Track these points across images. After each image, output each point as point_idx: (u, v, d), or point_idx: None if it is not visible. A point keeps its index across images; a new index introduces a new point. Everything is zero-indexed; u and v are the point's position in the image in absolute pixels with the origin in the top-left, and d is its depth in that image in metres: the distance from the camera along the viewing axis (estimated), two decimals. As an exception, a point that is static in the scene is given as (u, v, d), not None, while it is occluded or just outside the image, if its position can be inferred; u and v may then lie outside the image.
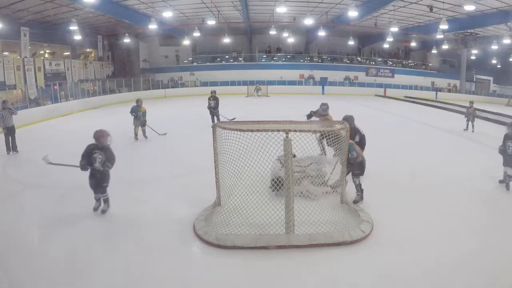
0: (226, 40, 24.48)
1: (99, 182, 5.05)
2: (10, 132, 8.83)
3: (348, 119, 6.00)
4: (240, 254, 4.03)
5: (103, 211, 5.12)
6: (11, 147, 8.82)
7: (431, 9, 17.37)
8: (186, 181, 6.57)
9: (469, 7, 13.44)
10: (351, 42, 24.48)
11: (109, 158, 5.06)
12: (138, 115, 9.98)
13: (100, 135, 5.14)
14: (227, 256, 4.00)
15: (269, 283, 3.57)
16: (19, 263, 3.94)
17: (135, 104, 10.07)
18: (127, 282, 3.61)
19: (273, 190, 5.25)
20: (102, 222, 5.01)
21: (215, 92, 12.40)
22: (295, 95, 25.49)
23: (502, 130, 6.13)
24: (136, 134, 10.17)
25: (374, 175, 6.39)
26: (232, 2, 18.97)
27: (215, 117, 12.23)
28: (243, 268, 3.80)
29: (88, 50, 23.14)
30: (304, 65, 29.13)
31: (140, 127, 10.20)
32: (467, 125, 11.92)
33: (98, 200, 5.18)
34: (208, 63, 29.01)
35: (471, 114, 11.82)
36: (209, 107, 12.28)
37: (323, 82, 28.44)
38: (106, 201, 5.20)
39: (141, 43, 27.10)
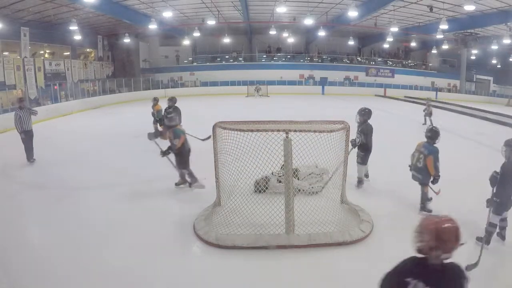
0: (226, 40, 24.48)
1: None
2: (28, 136, 7.87)
3: (363, 113, 5.81)
4: (240, 254, 4.04)
5: None
6: (29, 154, 7.93)
7: (431, 9, 17.37)
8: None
9: (469, 7, 13.44)
10: (351, 42, 24.48)
11: None
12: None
13: None
14: (227, 256, 4.00)
15: (269, 283, 3.58)
16: (19, 263, 3.95)
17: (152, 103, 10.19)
18: (128, 282, 3.61)
19: (256, 191, 5.26)
20: (103, 222, 5.01)
21: (175, 99, 8.72)
22: (295, 95, 25.49)
23: (502, 131, 6.06)
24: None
25: (375, 175, 6.40)
26: (232, 2, 18.96)
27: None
28: (243, 268, 3.80)
29: (88, 50, 23.13)
30: (304, 65, 29.12)
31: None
32: (425, 119, 12.93)
33: None
34: (208, 63, 29.01)
35: (427, 110, 12.97)
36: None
37: (323, 82, 28.42)
38: None
39: (141, 43, 27.09)
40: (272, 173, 5.56)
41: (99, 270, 3.75)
